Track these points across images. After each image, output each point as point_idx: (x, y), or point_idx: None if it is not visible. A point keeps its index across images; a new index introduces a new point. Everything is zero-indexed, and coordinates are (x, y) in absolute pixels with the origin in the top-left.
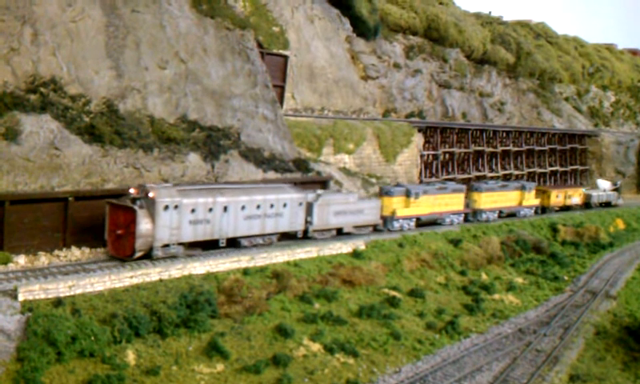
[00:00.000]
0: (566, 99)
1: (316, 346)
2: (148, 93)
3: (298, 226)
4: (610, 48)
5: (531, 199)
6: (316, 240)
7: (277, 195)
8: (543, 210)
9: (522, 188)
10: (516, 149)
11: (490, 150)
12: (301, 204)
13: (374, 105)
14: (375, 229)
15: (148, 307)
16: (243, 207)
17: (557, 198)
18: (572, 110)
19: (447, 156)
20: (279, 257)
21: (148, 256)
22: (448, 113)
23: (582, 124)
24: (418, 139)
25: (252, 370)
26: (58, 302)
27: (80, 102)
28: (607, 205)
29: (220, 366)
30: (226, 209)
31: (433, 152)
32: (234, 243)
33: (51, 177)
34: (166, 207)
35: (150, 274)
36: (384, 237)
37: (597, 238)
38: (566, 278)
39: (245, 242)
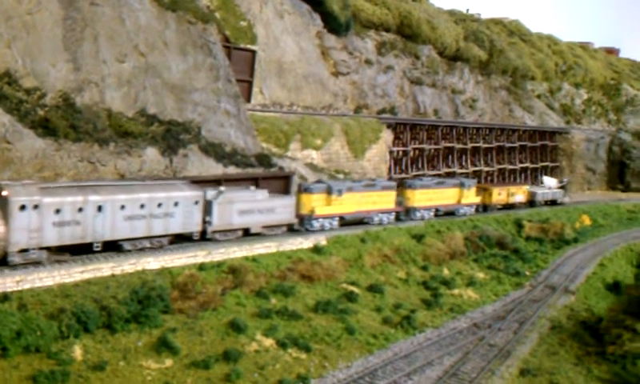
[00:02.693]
0: (539, 96)
1: (269, 341)
2: (106, 86)
3: (194, 226)
4: (584, 46)
5: (471, 197)
6: (218, 242)
7: (166, 193)
8: (485, 208)
9: (461, 185)
10: (486, 145)
11: (460, 146)
12: (197, 202)
13: (345, 101)
14: (291, 229)
15: (98, 302)
16: (123, 207)
17: (499, 195)
18: (544, 107)
19: (417, 152)
20: (237, 252)
21: (4, 262)
22: (420, 109)
23: (554, 121)
24: (387, 135)
25: (201, 366)
26: (4, 298)
27: (35, 96)
28: (553, 203)
29: (169, 362)
30: (100, 208)
31: (403, 148)
32: (114, 247)
33: (2, 170)
34: (23, 207)
35: (102, 268)
36: (346, 232)
37: (562, 234)
38: (527, 273)
39: (127, 246)
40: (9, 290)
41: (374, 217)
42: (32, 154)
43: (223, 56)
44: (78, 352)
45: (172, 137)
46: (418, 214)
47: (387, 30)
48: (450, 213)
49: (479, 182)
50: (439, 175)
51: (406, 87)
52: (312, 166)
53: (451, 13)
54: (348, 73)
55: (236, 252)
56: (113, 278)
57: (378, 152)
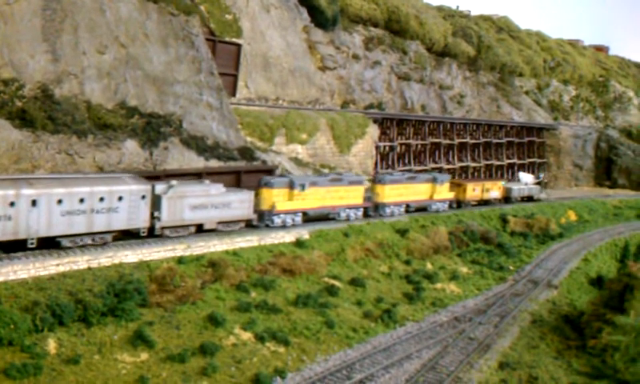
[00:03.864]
0: (527, 93)
1: (247, 335)
2: (85, 78)
3: (141, 222)
4: (572, 43)
5: (444, 193)
6: (169, 238)
7: (109, 187)
8: (459, 204)
9: (434, 180)
10: (473, 141)
11: (447, 142)
12: (144, 197)
13: (332, 96)
14: (249, 225)
15: (73, 295)
16: (60, 201)
17: (473, 191)
18: (532, 103)
19: (404, 148)
20: (217, 245)
21: None
22: (407, 105)
23: (542, 117)
24: (374, 130)
25: (177, 359)
26: None
27: (13, 87)
28: (529, 199)
29: (144, 355)
30: (34, 203)
31: (389, 143)
32: (51, 244)
33: None
34: None
35: (78, 261)
36: (329, 226)
37: (547, 229)
38: (511, 267)
39: (66, 242)
40: None
41: (341, 212)
42: (8, 146)
43: (206, 49)
44: (52, 345)
45: (152, 129)
46: (388, 210)
47: (375, 25)
48: (422, 209)
49: (466, 177)
50: (425, 171)
51: (393, 83)
52: (297, 161)
53: (440, 9)
54: (335, 68)
55: (216, 245)
56: (89, 271)
57: (364, 147)
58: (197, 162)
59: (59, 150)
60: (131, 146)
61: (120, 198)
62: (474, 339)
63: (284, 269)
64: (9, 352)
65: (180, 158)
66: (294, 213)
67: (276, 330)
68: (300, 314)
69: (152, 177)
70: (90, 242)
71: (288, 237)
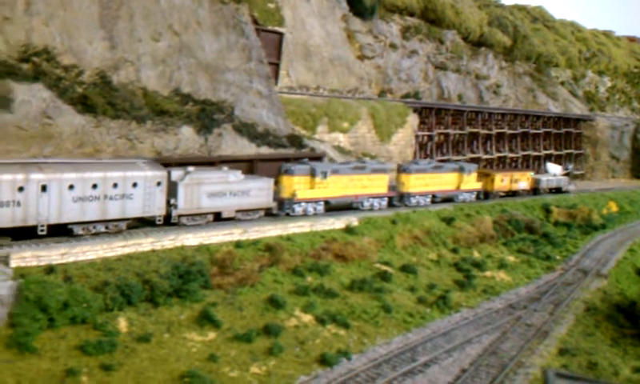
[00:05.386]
0: (562, 83)
1: (307, 317)
2: (141, 65)
3: (156, 210)
4: (607, 34)
5: (471, 183)
6: (185, 227)
7: (123, 173)
8: (486, 195)
9: (461, 170)
10: (511, 131)
11: (485, 132)
12: (159, 183)
13: (370, 85)
14: (269, 213)
15: (140, 276)
16: (71, 186)
17: (502, 182)
18: (568, 94)
19: (442, 137)
20: (272, 231)
21: None
22: (444, 94)
23: (578, 108)
24: (413, 120)
25: (243, 339)
26: (50, 269)
27: (73, 73)
28: (557, 191)
29: (212, 335)
30: (45, 188)
31: (428, 133)
32: (62, 231)
33: (43, 145)
34: None
35: (142, 243)
36: (377, 214)
37: (589, 220)
38: (557, 257)
39: (78, 230)
40: (54, 262)
41: (364, 202)
42: (72, 130)
43: (255, 37)
44: (122, 324)
45: (206, 116)
46: (413, 200)
47: (411, 15)
48: (449, 199)
49: (504, 167)
50: (465, 160)
51: (430, 72)
52: (340, 149)
53: None
54: (373, 57)
55: (271, 230)
56: (153, 253)
57: (404, 136)
58: (249, 148)
59: (120, 135)
60: (187, 132)
61: (134, 185)
62: (532, 326)
63: (336, 254)
64: (82, 329)
65: (233, 144)
66: (316, 202)
67: (335, 313)
68: (356, 298)
69: (207, 162)
70: (103, 229)
71: (338, 223)
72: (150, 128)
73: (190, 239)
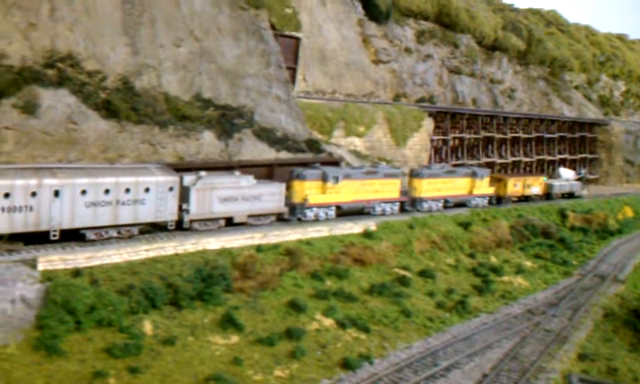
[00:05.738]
0: (576, 87)
1: (328, 321)
2: (163, 70)
3: (168, 215)
4: (621, 37)
5: (484, 188)
6: (197, 232)
7: (135, 178)
8: (499, 200)
9: (473, 175)
10: (525, 136)
11: (500, 136)
12: (172, 189)
13: (385, 89)
14: (280, 219)
15: (164, 280)
16: (84, 192)
17: (514, 187)
18: (582, 98)
19: (457, 141)
20: (291, 235)
21: None
22: (458, 98)
23: (592, 112)
24: (428, 124)
25: (266, 342)
26: (77, 273)
27: (97, 78)
28: (570, 196)
29: (235, 338)
30: (57, 193)
31: (443, 137)
32: (74, 236)
33: (69, 150)
34: None
35: (166, 247)
36: (394, 218)
37: (605, 225)
38: (574, 262)
39: (90, 235)
40: (80, 265)
41: (376, 207)
42: (96, 136)
43: (274, 42)
44: (147, 327)
45: (227, 121)
46: (425, 205)
47: (426, 19)
48: (461, 204)
49: (518, 171)
50: (479, 165)
51: (444, 76)
52: (356, 153)
53: (489, 2)
54: (388, 61)
55: (290, 234)
56: (176, 256)
57: (420, 140)
58: (268, 153)
59: (143, 140)
60: (208, 137)
61: (147, 190)
62: (551, 331)
63: (355, 259)
64: (109, 332)
65: (253, 149)
66: (327, 207)
67: (355, 317)
68: (376, 302)
69: (227, 167)
70: (115, 234)
71: (356, 228)
72: (172, 133)
73: (212, 243)
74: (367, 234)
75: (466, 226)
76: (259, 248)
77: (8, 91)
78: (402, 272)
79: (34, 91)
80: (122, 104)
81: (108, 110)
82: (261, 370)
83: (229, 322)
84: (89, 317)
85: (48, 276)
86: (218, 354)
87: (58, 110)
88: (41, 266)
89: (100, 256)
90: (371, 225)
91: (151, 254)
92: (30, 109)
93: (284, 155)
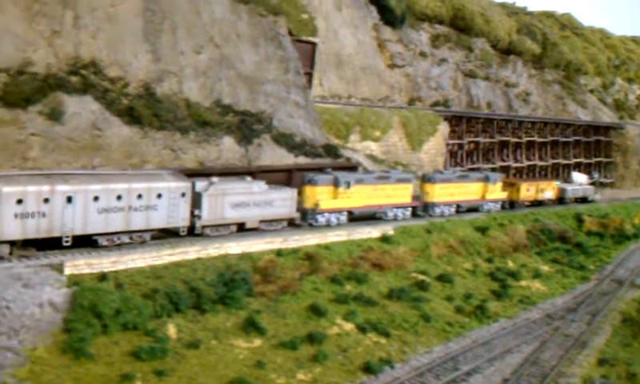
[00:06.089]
0: (591, 91)
1: (349, 326)
2: (184, 77)
3: (180, 221)
4: (636, 40)
5: (497, 192)
6: (209, 237)
7: (147, 184)
8: (512, 204)
9: (486, 179)
10: (541, 139)
11: (515, 140)
12: (184, 194)
13: (400, 93)
14: (292, 224)
15: (187, 284)
16: (96, 198)
17: (527, 191)
18: (597, 102)
19: (472, 145)
20: (311, 239)
21: None
22: (473, 102)
23: (607, 116)
24: (444, 128)
25: (289, 346)
26: (103, 277)
27: (119, 85)
28: (583, 200)
29: (257, 342)
30: (70, 200)
31: (458, 141)
32: (87, 242)
33: (93, 156)
34: None
35: (189, 252)
36: (412, 223)
37: (622, 230)
38: (591, 267)
39: (103, 241)
40: (105, 270)
41: (388, 212)
42: (120, 142)
43: (292, 48)
44: (172, 330)
45: (246, 127)
46: (438, 210)
47: (441, 23)
48: (474, 209)
49: (533, 175)
50: (494, 169)
51: (459, 80)
52: (372, 158)
53: (503, 6)
54: (403, 65)
55: (309, 239)
56: (199, 261)
57: (435, 144)
58: (287, 158)
59: (165, 146)
60: (228, 142)
61: (159, 196)
62: (570, 336)
63: (373, 263)
64: (134, 335)
65: (272, 154)
66: (339, 212)
67: (375, 321)
68: (395, 307)
69: (247, 172)
70: (127, 240)
71: (374, 232)
72: (193, 139)
73: (234, 247)
74: (385, 239)
75: (483, 230)
76: (279, 252)
77: (34, 98)
78: (421, 276)
79: (59, 98)
80: (144, 110)
81: (131, 117)
82: (284, 374)
83: (251, 326)
84: (115, 320)
85: (74, 280)
86: (242, 358)
87: (83, 117)
88: (67, 271)
89: (125, 260)
90: (389, 229)
91: (174, 259)
92: (55, 115)
93: (302, 160)
